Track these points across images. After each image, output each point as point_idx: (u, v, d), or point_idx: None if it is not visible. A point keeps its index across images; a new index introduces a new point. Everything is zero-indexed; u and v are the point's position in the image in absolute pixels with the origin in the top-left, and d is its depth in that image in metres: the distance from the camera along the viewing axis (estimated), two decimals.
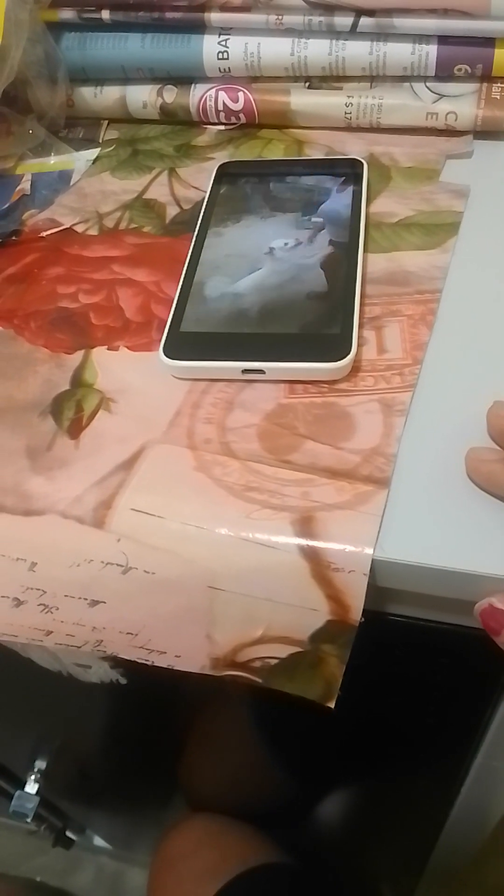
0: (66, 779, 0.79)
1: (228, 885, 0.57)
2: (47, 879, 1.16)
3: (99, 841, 1.10)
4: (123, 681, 0.45)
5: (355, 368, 0.32)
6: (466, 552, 0.26)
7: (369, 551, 0.26)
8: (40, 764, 0.78)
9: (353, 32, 0.40)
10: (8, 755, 0.79)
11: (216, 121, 0.46)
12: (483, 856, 0.62)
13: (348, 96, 0.42)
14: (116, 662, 0.43)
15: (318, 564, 0.26)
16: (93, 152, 0.45)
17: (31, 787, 0.78)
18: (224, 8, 0.41)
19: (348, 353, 0.30)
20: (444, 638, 0.31)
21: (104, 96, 0.46)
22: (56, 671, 0.45)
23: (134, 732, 0.60)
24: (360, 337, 0.32)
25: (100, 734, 0.65)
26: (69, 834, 0.97)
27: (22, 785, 0.79)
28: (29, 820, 0.78)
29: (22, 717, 0.67)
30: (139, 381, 0.33)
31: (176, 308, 0.34)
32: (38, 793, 0.78)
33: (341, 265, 0.34)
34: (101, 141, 0.46)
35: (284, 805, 0.65)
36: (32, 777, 0.78)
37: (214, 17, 0.41)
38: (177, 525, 0.28)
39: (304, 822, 0.68)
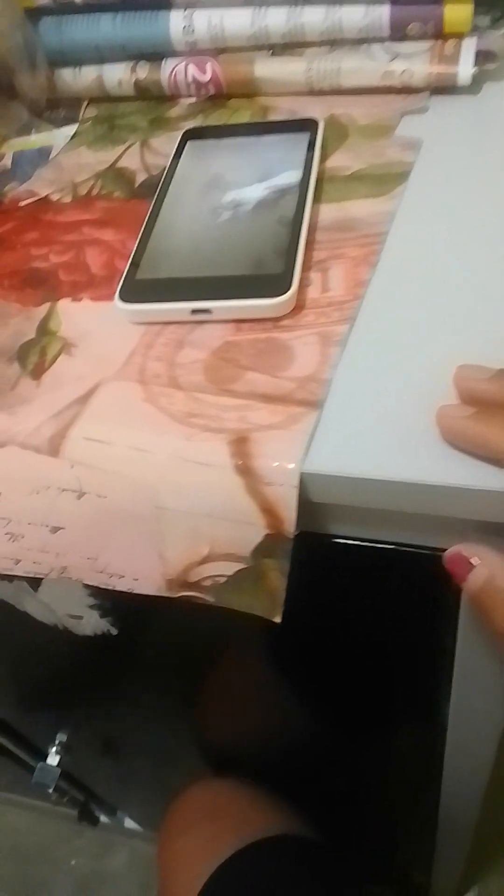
0: (88, 750, 0.81)
1: (227, 863, 0.56)
2: (82, 862, 1.19)
3: (130, 823, 1.12)
4: (114, 631, 0.47)
5: (299, 307, 0.33)
6: (394, 464, 0.27)
7: (297, 465, 0.28)
8: (62, 736, 0.81)
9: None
10: (30, 727, 0.82)
11: (187, 94, 0.48)
12: None
13: (309, 62, 0.44)
14: (104, 612, 0.45)
15: (252, 480, 0.28)
16: (71, 128, 0.48)
17: (53, 759, 0.81)
18: None
19: (288, 290, 0.32)
20: (396, 560, 0.32)
21: (82, 77, 0.49)
22: (52, 624, 0.48)
23: (145, 696, 0.62)
24: (306, 279, 0.34)
25: (115, 701, 0.67)
26: (93, 809, 0.99)
27: (44, 757, 0.81)
28: (50, 790, 0.81)
29: (35, 685, 0.69)
30: (99, 327, 0.35)
31: (133, 258, 0.36)
32: (59, 765, 0.81)
33: (290, 214, 0.36)
34: (80, 119, 0.49)
35: (286, 763, 0.66)
36: (54, 749, 0.81)
37: None
38: (124, 450, 0.30)
39: (305, 797, 0.67)
